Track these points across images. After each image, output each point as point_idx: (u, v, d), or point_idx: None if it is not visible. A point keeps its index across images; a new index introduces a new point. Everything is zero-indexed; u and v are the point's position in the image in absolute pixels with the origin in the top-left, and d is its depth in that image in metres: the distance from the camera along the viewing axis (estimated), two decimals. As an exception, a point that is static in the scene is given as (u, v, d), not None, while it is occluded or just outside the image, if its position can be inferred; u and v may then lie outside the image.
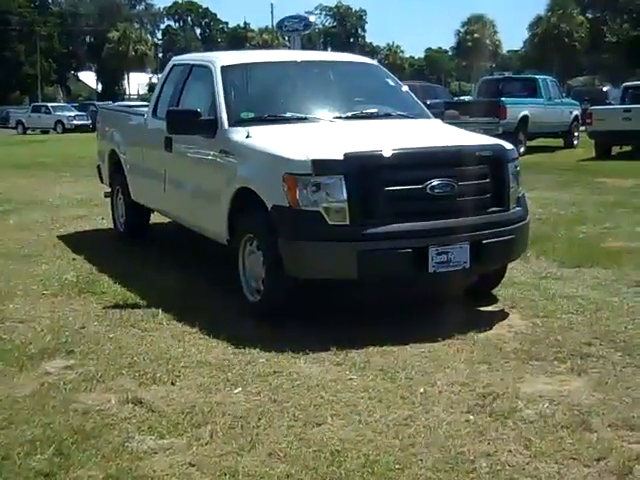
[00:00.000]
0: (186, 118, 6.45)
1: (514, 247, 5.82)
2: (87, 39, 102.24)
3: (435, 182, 5.41)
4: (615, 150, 20.28)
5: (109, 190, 9.47)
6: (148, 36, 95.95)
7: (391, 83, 7.27)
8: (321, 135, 5.99)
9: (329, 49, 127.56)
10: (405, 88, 7.29)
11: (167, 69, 7.95)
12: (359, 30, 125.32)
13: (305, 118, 6.36)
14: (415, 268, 5.39)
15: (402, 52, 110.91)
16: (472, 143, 5.93)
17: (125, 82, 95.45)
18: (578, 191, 13.29)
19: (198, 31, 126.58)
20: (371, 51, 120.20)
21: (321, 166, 5.32)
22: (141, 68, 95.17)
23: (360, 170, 5.30)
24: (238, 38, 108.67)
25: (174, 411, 4.25)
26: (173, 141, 7.06)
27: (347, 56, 7.95)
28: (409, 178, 5.42)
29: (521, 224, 5.87)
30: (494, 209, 5.72)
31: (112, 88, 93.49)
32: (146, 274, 7.34)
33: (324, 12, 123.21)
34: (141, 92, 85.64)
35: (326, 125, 6.28)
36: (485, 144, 5.92)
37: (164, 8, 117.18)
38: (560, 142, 23.40)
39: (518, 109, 20.51)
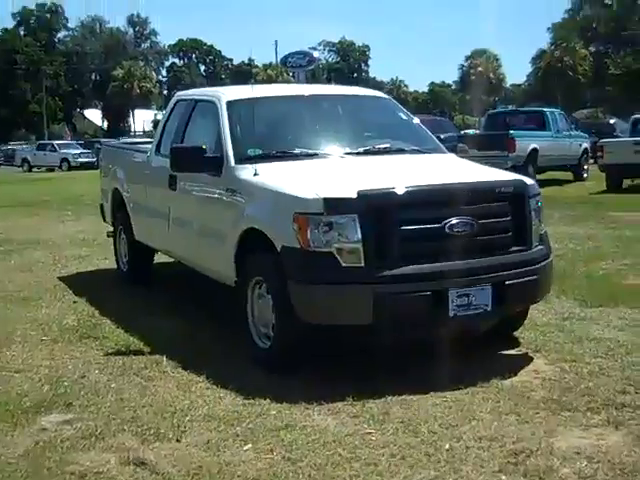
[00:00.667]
0: (191, 155, 6.18)
1: (538, 288, 5.51)
2: (93, 77, 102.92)
3: (454, 220, 5.11)
4: (626, 183, 19.99)
5: (112, 229, 9.21)
6: (153, 73, 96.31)
7: (402, 116, 7.01)
8: (332, 172, 5.71)
9: (333, 84, 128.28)
10: (417, 121, 7.02)
11: (171, 104, 7.70)
12: (362, 65, 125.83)
13: (315, 154, 6.09)
14: (434, 312, 5.08)
15: (406, 86, 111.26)
16: (492, 179, 5.65)
17: (130, 119, 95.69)
18: (592, 225, 12.97)
19: (203, 68, 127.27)
20: (375, 86, 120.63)
21: (333, 205, 5.03)
22: (146, 105, 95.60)
23: (375, 209, 5.02)
24: (243, 74, 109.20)
25: (179, 472, 3.92)
26: (177, 179, 6.79)
27: (356, 89, 7.68)
28: (426, 217, 5.13)
29: (544, 263, 5.56)
30: (516, 248, 5.42)
31: (118, 125, 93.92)
32: (150, 318, 7.03)
33: (327, 48, 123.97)
34: (146, 128, 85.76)
35: (337, 161, 6.00)
36: (505, 180, 5.64)
37: (169, 46, 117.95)
38: (569, 175, 23.15)
39: (527, 142, 20.29)
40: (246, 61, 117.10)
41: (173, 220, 7.08)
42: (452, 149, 6.96)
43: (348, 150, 6.20)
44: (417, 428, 4.40)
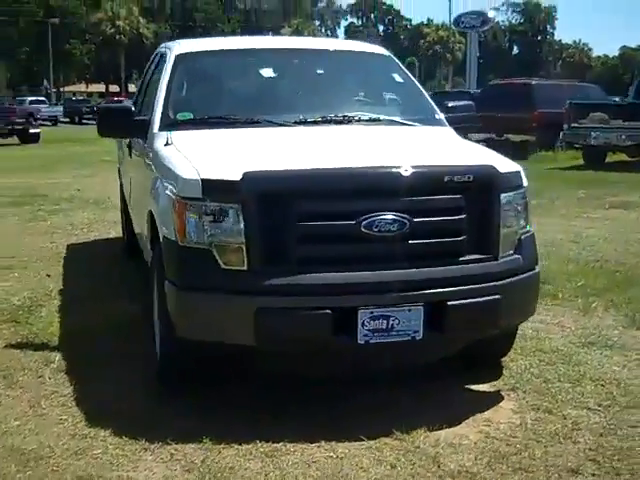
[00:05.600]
0: (117, 117, 5.18)
1: (500, 311, 4.03)
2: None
3: (373, 217, 3.81)
4: None
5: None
6: (322, 32, 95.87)
7: (398, 79, 5.61)
8: (256, 146, 4.46)
9: (514, 47, 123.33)
10: (419, 87, 5.60)
11: (151, 59, 6.63)
12: (548, 27, 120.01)
13: (256, 122, 4.87)
14: (337, 337, 3.82)
15: (590, 50, 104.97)
16: (443, 163, 4.20)
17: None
18: None
19: (381, 28, 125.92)
20: (559, 49, 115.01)
21: (213, 189, 3.86)
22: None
23: (264, 196, 3.80)
24: (420, 35, 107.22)
25: None
26: (132, 145, 5.82)
27: (350, 44, 6.22)
28: (335, 210, 3.85)
29: (515, 279, 4.13)
30: (471, 257, 4.04)
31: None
32: (114, 301, 6.12)
33: (511, 8, 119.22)
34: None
35: (276, 132, 4.73)
36: (463, 165, 4.17)
37: (347, 5, 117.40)
38: None
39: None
40: (425, 22, 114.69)
41: (131, 192, 6.14)
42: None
43: (302, 118, 4.93)
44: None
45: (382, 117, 5.09)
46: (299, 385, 4.31)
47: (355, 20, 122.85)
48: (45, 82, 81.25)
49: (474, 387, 4.52)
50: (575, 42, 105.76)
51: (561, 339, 5.32)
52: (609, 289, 6.53)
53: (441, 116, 5.36)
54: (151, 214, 4.56)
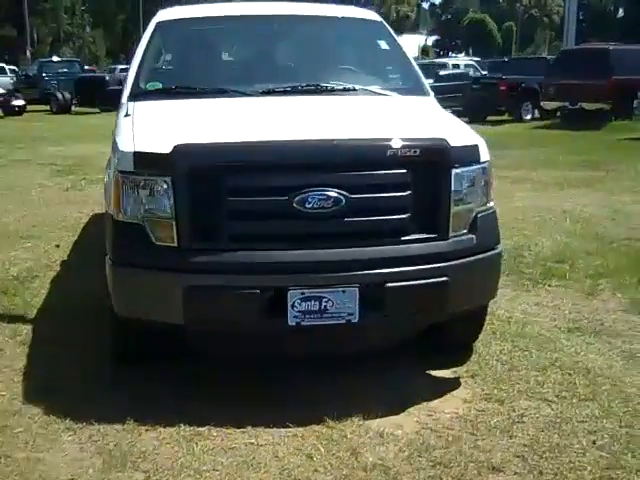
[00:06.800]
0: (92, 86, 5.20)
1: (447, 295, 3.79)
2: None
3: (306, 193, 3.62)
4: None
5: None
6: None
7: (385, 47, 5.33)
8: (207, 118, 4.26)
9: (619, 9, 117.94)
10: (407, 54, 5.30)
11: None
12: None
13: (223, 92, 4.69)
14: (266, 318, 3.67)
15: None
16: (390, 136, 3.93)
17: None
18: None
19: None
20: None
21: (144, 161, 3.75)
22: (413, 30, 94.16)
23: (195, 170, 3.65)
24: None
25: None
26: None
27: (340, 9, 5.87)
28: (266, 185, 3.68)
29: (468, 260, 3.87)
30: (416, 237, 3.80)
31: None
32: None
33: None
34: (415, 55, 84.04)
35: (238, 103, 4.54)
36: (410, 138, 3.89)
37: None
38: None
39: None
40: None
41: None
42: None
43: (271, 87, 4.73)
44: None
45: (357, 87, 4.84)
46: (243, 368, 4.20)
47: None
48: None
49: (434, 373, 4.31)
50: None
51: (548, 323, 5.03)
52: (626, 270, 6.15)
53: (426, 86, 5.08)
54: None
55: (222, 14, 5.47)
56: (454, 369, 4.32)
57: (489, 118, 22.91)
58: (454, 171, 3.83)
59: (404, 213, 3.77)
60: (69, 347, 4.65)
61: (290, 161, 3.69)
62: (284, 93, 4.67)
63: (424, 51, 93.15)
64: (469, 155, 3.95)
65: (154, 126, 4.13)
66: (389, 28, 5.47)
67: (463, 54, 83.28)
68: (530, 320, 5.07)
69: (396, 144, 3.77)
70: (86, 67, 38.72)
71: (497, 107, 23.42)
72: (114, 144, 4.20)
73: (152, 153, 3.74)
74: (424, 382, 4.18)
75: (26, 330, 4.91)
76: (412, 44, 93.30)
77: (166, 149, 3.69)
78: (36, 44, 70.45)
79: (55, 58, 37.81)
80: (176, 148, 3.67)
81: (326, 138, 3.79)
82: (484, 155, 4.03)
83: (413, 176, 3.77)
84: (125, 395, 3.97)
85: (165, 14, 5.49)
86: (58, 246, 7.10)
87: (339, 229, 3.70)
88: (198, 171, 3.66)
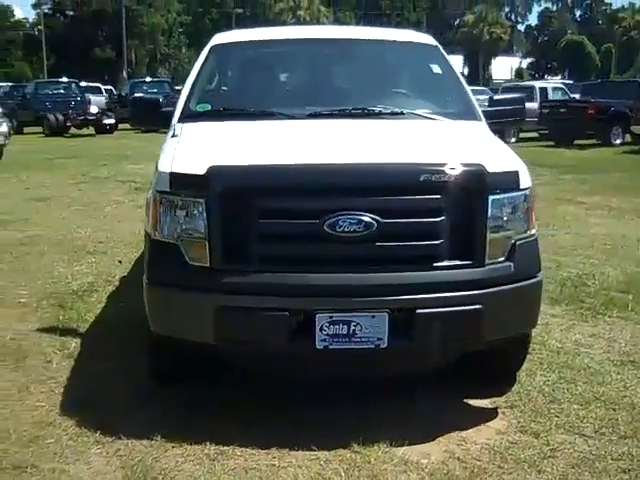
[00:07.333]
0: (146, 108, 5.24)
1: (483, 323, 3.72)
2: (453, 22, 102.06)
3: (337, 217, 3.61)
4: None
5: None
6: (504, 19, 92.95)
7: (437, 70, 5.27)
8: (249, 140, 4.28)
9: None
10: (460, 79, 5.21)
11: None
12: None
13: (270, 114, 4.72)
14: (294, 340, 3.66)
15: None
16: (425, 161, 3.86)
17: (491, 67, 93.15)
18: None
19: (578, 13, 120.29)
20: None
21: (180, 182, 3.81)
22: (507, 52, 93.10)
23: (228, 191, 3.69)
24: (612, 21, 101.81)
25: None
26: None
27: (396, 33, 5.85)
28: (298, 208, 3.68)
29: (504, 288, 3.77)
30: (451, 263, 3.73)
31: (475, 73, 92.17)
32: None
33: None
34: (506, 77, 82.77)
35: (282, 125, 4.55)
36: (445, 163, 3.78)
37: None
38: None
39: None
40: (625, 5, 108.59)
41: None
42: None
43: (317, 110, 4.73)
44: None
45: (405, 111, 4.80)
46: (278, 389, 4.19)
47: (550, 5, 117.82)
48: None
49: (472, 402, 4.21)
50: None
51: (600, 355, 4.86)
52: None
53: (477, 110, 4.99)
54: None
55: (275, 37, 5.52)
56: (493, 399, 4.21)
57: (577, 142, 22.46)
58: (491, 197, 3.75)
59: (437, 239, 3.71)
60: (115, 362, 4.73)
61: (321, 184, 3.68)
62: (330, 116, 4.66)
63: (518, 73, 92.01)
64: (508, 181, 3.86)
65: (195, 147, 4.19)
66: (443, 52, 5.41)
67: (559, 77, 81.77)
68: (581, 351, 4.91)
69: (429, 169, 3.72)
70: (177, 88, 39.60)
71: (585, 131, 22.94)
72: (156, 164, 4.28)
73: (188, 174, 3.80)
74: (459, 411, 4.09)
75: (75, 344, 5.03)
76: (505, 66, 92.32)
77: (201, 170, 3.73)
78: (134, 65, 72.70)
79: (148, 79, 38.85)
80: (210, 169, 3.71)
81: (357, 162, 3.78)
82: (525, 182, 3.93)
83: (448, 201, 3.71)
84: (159, 412, 4.02)
85: (220, 37, 5.57)
86: (120, 262, 7.26)
87: (370, 253, 3.67)
88: (231, 192, 3.68)
